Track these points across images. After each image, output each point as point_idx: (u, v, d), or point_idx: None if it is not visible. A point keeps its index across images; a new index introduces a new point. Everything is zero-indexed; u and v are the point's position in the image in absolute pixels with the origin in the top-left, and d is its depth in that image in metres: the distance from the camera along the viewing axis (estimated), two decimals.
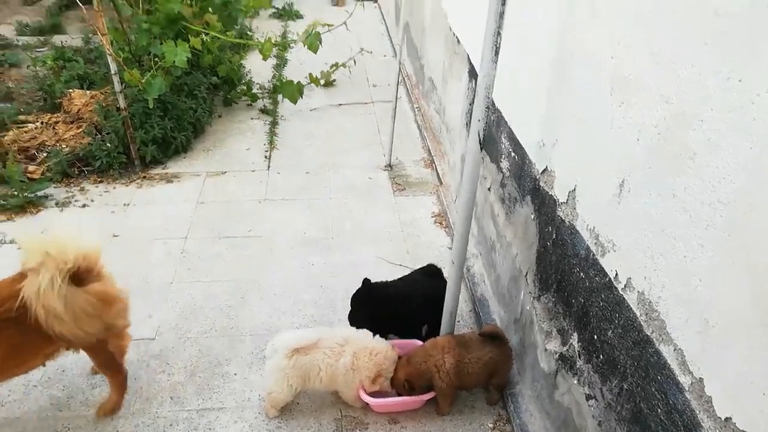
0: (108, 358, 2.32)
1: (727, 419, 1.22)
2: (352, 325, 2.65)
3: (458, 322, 2.90)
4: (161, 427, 2.38)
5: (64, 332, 1.96)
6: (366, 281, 2.68)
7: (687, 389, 1.36)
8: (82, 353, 2.30)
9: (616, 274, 1.68)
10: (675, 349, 1.41)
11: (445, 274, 2.74)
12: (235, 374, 2.65)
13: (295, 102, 5.05)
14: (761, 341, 1.13)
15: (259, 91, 5.54)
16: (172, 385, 2.58)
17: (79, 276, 2.00)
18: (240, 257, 3.41)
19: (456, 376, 2.37)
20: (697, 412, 1.32)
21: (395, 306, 2.71)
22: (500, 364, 2.43)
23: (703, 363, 1.31)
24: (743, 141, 1.17)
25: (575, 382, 1.96)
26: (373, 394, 2.42)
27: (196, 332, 2.86)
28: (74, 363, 2.64)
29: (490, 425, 2.47)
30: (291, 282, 3.22)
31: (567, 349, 2.03)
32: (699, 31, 1.30)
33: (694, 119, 1.32)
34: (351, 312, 2.74)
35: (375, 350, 2.41)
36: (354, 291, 2.71)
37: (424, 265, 2.94)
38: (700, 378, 1.31)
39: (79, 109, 4.69)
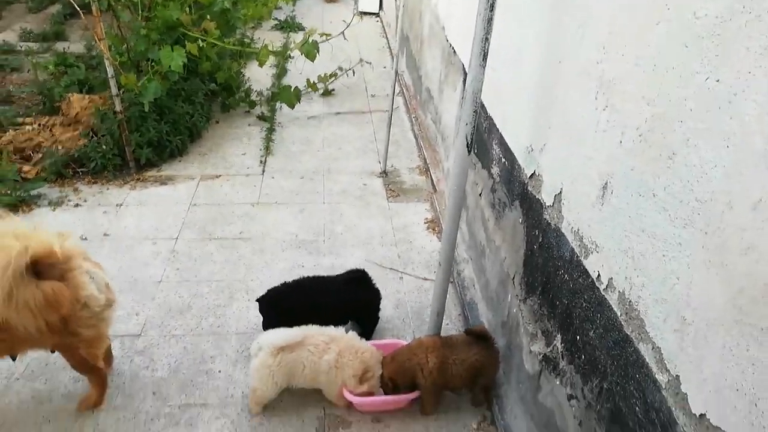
0: (79, 361, 2.30)
1: (702, 416, 1.22)
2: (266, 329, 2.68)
3: (446, 324, 2.90)
4: (142, 422, 2.38)
5: (6, 318, 1.93)
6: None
7: (664, 387, 1.36)
8: None
9: (599, 275, 1.69)
10: (653, 348, 1.41)
11: (432, 276, 2.75)
12: (220, 371, 2.64)
13: (292, 106, 5.08)
14: (736, 339, 1.14)
15: (258, 98, 5.57)
16: (155, 380, 2.57)
17: (40, 270, 1.98)
18: (230, 258, 3.42)
19: (440, 376, 2.37)
20: (673, 409, 1.32)
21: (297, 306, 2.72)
22: (486, 366, 2.43)
23: (679, 361, 1.31)
24: (720, 140, 1.18)
25: (558, 382, 1.96)
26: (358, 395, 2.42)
27: (182, 330, 2.86)
28: (56, 357, 2.63)
29: (474, 426, 2.47)
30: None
31: (551, 350, 2.03)
32: (679, 33, 1.32)
33: (674, 120, 1.34)
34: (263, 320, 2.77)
35: (360, 349, 2.41)
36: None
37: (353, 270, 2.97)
38: (677, 376, 1.32)
39: (77, 113, 4.71)
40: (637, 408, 1.47)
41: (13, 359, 2.27)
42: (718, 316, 1.19)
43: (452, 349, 2.41)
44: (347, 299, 2.79)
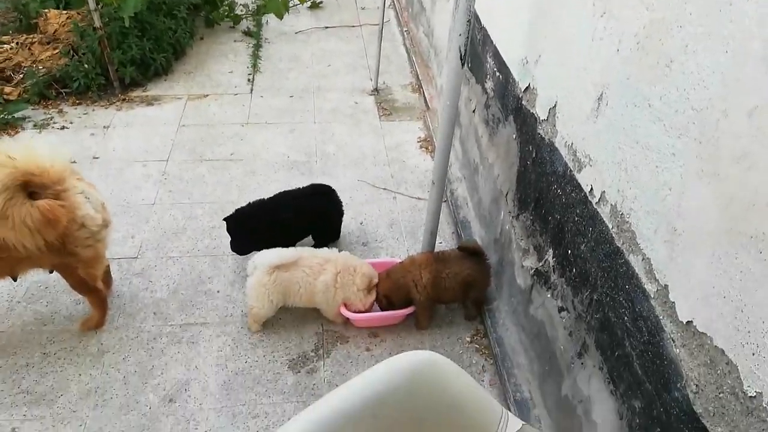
0: (78, 281, 2.33)
1: (688, 322, 1.25)
2: (235, 251, 2.79)
3: (440, 243, 2.93)
4: (145, 341, 2.44)
5: (5, 238, 1.95)
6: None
7: (652, 296, 1.39)
8: None
9: (591, 189, 1.69)
10: (643, 259, 1.43)
11: (425, 196, 2.75)
12: (218, 292, 2.69)
13: (281, 17, 4.88)
14: (725, 248, 1.14)
15: (243, 12, 5.35)
16: (155, 301, 2.62)
17: (35, 189, 1.97)
18: (221, 180, 3.39)
19: (433, 291, 2.42)
20: (661, 317, 1.35)
21: (266, 221, 2.75)
22: (478, 280, 2.48)
23: (668, 271, 1.33)
24: (719, 45, 1.14)
25: (549, 295, 2.01)
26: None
27: (179, 252, 2.88)
28: (57, 280, 2.66)
29: (468, 339, 2.55)
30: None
31: (542, 265, 2.06)
32: None
33: (673, 25, 1.28)
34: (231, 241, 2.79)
35: (358, 266, 2.46)
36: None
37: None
38: (665, 285, 1.34)
39: (55, 30, 4.51)
40: (625, 317, 1.51)
41: (14, 280, 2.30)
42: (709, 226, 1.19)
43: (445, 263, 2.45)
44: (309, 212, 2.82)
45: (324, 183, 2.98)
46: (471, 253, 2.49)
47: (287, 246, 2.58)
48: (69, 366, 2.34)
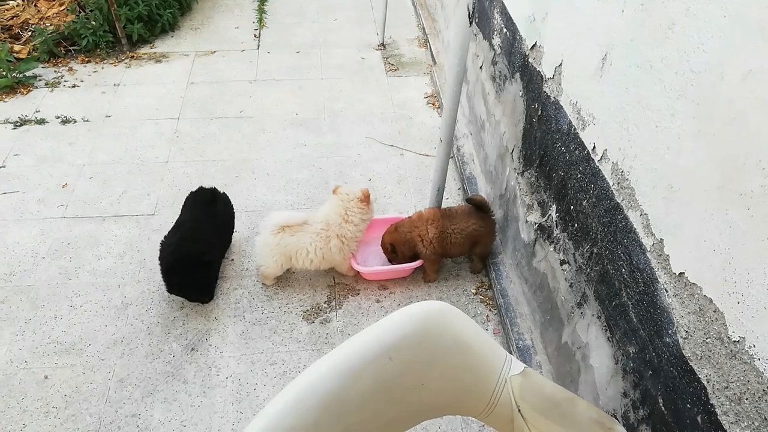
0: None
1: (681, 274, 1.34)
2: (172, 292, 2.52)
3: (446, 198, 3.01)
4: (165, 294, 2.54)
5: None
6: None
7: (649, 250, 1.47)
8: None
9: (594, 147, 1.75)
10: (641, 214, 1.50)
11: (433, 152, 2.79)
12: (233, 247, 2.79)
13: None
14: (717, 204, 1.22)
15: None
16: None
17: None
18: (232, 138, 3.46)
19: (439, 245, 2.52)
20: (656, 269, 1.44)
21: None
22: (483, 235, 2.56)
23: (664, 225, 1.41)
24: (718, 9, 1.18)
25: (551, 249, 2.10)
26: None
27: None
28: (79, 237, 2.78)
29: (473, 291, 2.66)
30: (283, 162, 3.29)
31: (546, 220, 2.15)
32: None
33: None
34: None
35: (350, 194, 2.53)
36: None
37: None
38: (661, 239, 1.42)
39: None
40: (623, 269, 1.60)
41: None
42: (703, 183, 1.26)
43: (451, 219, 2.53)
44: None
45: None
46: (478, 207, 2.56)
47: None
48: (95, 318, 2.47)
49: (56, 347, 2.36)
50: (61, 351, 2.35)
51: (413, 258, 2.61)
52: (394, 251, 2.58)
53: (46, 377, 2.27)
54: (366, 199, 2.53)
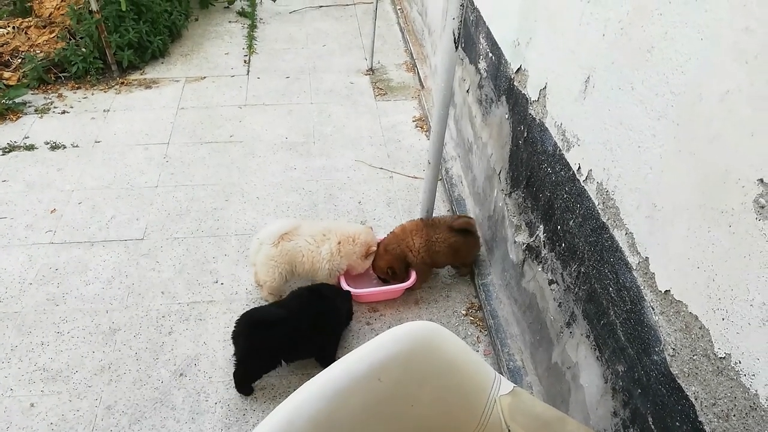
0: None
1: (666, 291, 1.35)
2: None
3: None
4: (154, 319, 2.54)
5: None
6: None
7: (635, 268, 1.49)
8: None
9: (579, 167, 1.77)
10: (626, 233, 1.52)
11: (421, 175, 2.82)
12: (223, 270, 2.78)
13: None
14: (699, 222, 1.24)
15: None
16: (162, 281, 2.71)
17: None
18: (222, 162, 3.47)
19: (427, 255, 2.58)
20: (642, 287, 1.45)
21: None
22: (466, 244, 2.64)
23: (649, 244, 1.43)
24: (695, 32, 1.22)
25: (540, 269, 2.11)
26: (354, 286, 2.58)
27: (183, 233, 2.97)
28: (67, 262, 2.76)
29: (463, 312, 2.66)
30: (273, 185, 3.31)
31: (534, 240, 2.16)
32: None
33: (654, 12, 1.36)
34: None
35: (357, 235, 2.57)
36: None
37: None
38: (646, 257, 1.44)
39: (50, 13, 4.54)
40: (610, 288, 1.61)
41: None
42: (685, 202, 1.28)
43: (434, 229, 2.61)
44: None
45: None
46: (463, 231, 2.60)
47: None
48: (83, 344, 2.44)
49: (42, 374, 2.33)
50: (47, 378, 2.32)
51: (407, 271, 2.65)
52: (393, 273, 2.61)
53: (32, 405, 2.23)
54: (368, 255, 2.63)
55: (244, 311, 2.34)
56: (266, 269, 2.50)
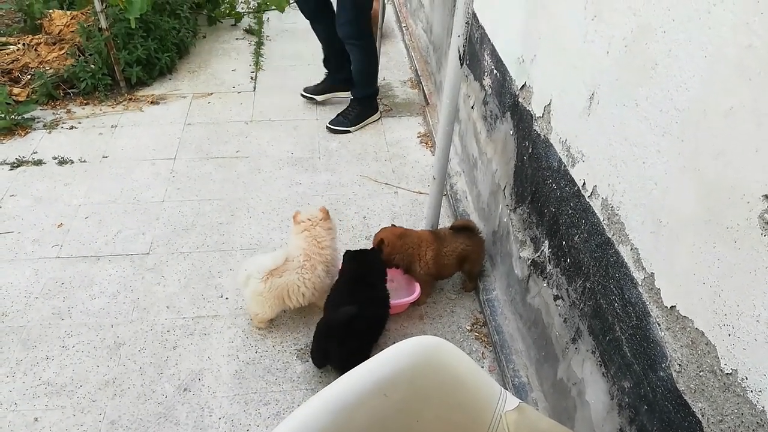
0: None
1: (672, 307, 1.35)
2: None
3: None
4: (159, 333, 2.54)
5: None
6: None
7: (640, 284, 1.49)
8: None
9: (584, 183, 1.78)
10: (631, 249, 1.52)
11: (426, 190, 2.84)
12: (228, 285, 2.79)
13: (282, 10, 4.92)
14: (704, 237, 1.24)
15: (244, 9, 5.43)
16: (167, 295, 2.72)
17: None
18: (228, 177, 3.49)
19: (434, 267, 2.60)
20: (648, 303, 1.45)
21: None
22: (472, 253, 2.65)
23: (654, 259, 1.43)
24: (699, 50, 1.23)
25: (545, 285, 2.11)
26: None
27: (189, 248, 2.98)
28: (73, 277, 2.77)
29: (468, 328, 2.65)
30: (279, 200, 3.32)
31: (539, 256, 2.16)
32: None
33: (657, 30, 1.37)
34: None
35: (318, 237, 2.56)
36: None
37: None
38: (652, 273, 1.44)
39: (60, 30, 4.61)
40: (615, 304, 1.61)
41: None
42: (690, 218, 1.29)
43: (443, 242, 2.62)
44: None
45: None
46: (463, 229, 2.63)
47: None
48: (87, 358, 2.44)
49: (47, 389, 2.33)
50: (51, 392, 2.32)
51: (404, 270, 2.66)
52: (380, 249, 2.59)
53: (36, 419, 2.23)
54: (326, 215, 2.62)
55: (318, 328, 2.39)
56: (255, 303, 2.49)
